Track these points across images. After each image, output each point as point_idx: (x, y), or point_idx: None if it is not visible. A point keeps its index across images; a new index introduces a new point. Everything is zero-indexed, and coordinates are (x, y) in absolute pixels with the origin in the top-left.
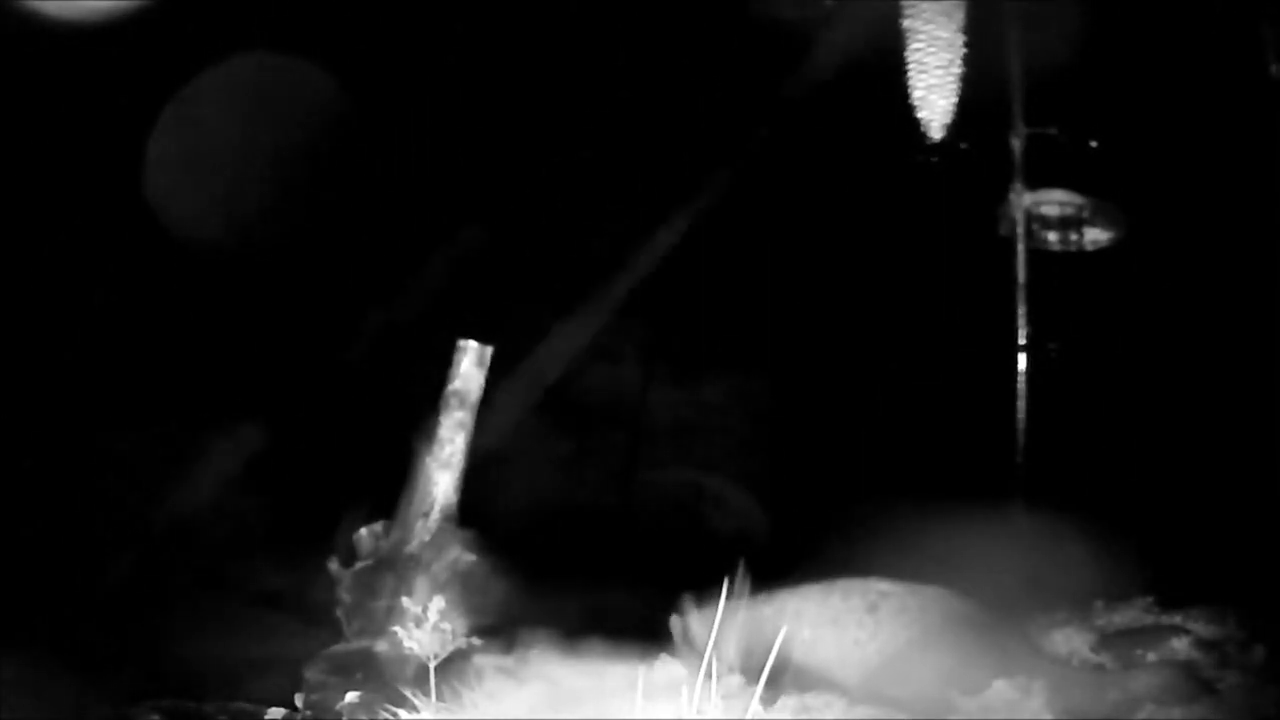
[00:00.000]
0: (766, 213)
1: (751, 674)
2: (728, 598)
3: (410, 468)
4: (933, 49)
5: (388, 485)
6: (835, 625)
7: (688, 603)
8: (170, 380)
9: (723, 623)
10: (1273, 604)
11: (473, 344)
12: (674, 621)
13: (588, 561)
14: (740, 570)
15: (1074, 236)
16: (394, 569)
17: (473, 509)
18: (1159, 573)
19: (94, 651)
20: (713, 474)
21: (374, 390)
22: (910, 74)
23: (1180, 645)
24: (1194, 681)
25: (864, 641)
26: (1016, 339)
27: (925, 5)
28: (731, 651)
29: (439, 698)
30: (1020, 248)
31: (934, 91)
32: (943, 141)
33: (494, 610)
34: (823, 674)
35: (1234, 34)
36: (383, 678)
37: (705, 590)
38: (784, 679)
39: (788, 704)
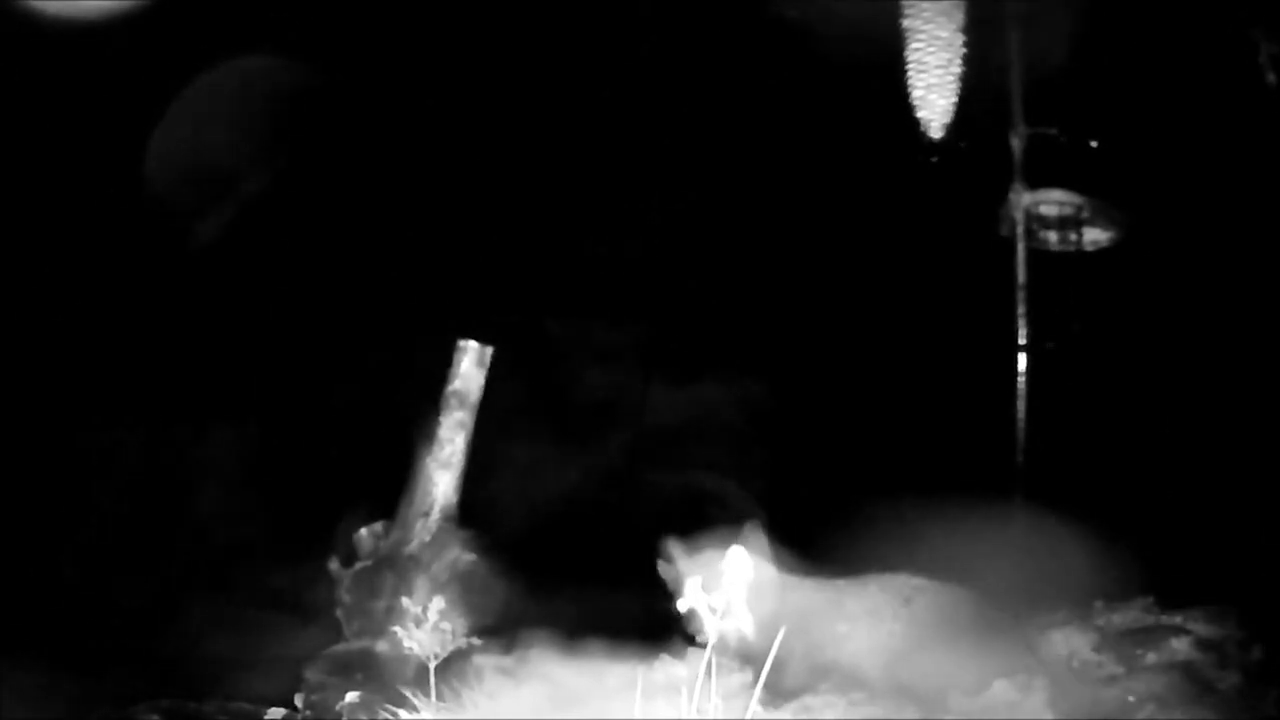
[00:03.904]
0: (766, 212)
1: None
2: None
3: (410, 468)
4: (932, 48)
5: (388, 485)
6: (868, 619)
7: (679, 600)
8: (170, 379)
9: (722, 623)
10: (1273, 604)
11: (473, 344)
12: (666, 620)
13: (588, 561)
14: (739, 571)
15: (1074, 236)
16: (394, 569)
17: (473, 509)
18: (1159, 573)
19: (94, 651)
20: (713, 474)
21: (374, 390)
22: (910, 73)
23: (1180, 645)
24: (1194, 682)
25: (898, 634)
26: (1016, 339)
27: (925, 5)
28: (731, 652)
29: (439, 698)
30: (1020, 248)
31: (933, 91)
32: (942, 141)
33: (494, 610)
34: (853, 667)
35: (1234, 33)
36: (383, 678)
37: (704, 590)
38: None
39: (788, 704)
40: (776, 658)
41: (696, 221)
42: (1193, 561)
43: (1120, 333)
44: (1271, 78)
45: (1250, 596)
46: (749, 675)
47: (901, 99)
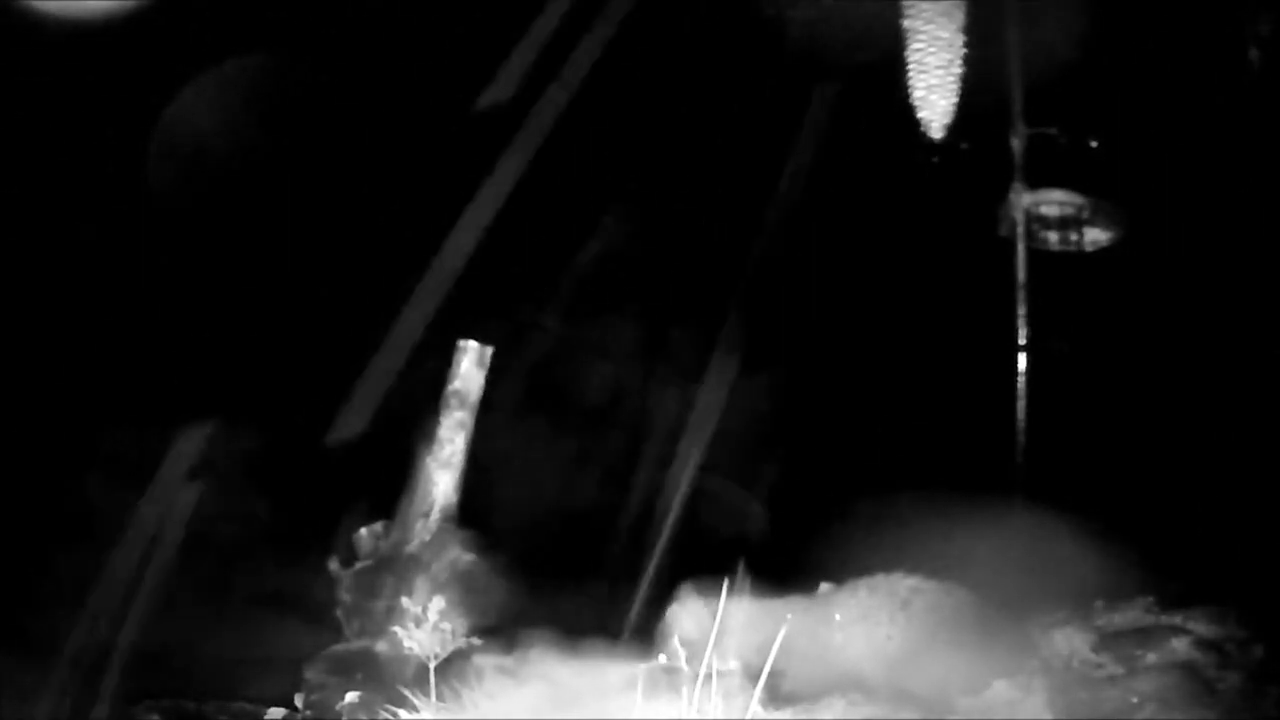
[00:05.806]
0: (767, 212)
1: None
2: (727, 597)
3: (410, 468)
4: (933, 49)
5: (388, 485)
6: (866, 621)
7: (680, 601)
8: (170, 380)
9: (723, 622)
10: (1273, 604)
11: (473, 344)
12: (666, 620)
13: (588, 561)
14: (740, 570)
15: (1074, 236)
16: (394, 569)
17: (473, 509)
18: (1159, 573)
19: (94, 651)
20: (713, 474)
21: (374, 390)
22: (910, 74)
23: (1180, 645)
24: (1194, 682)
25: (897, 635)
26: (1016, 339)
27: (925, 5)
28: (732, 651)
29: (439, 698)
30: (1020, 248)
31: (934, 91)
32: (943, 141)
33: (494, 610)
34: (853, 673)
35: (1233, 33)
36: (383, 678)
37: (705, 590)
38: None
39: (788, 705)
40: (776, 660)
41: (697, 222)
42: (1193, 561)
43: (1120, 334)
44: (1255, 54)
45: (1250, 596)
46: (749, 676)
47: (902, 99)
